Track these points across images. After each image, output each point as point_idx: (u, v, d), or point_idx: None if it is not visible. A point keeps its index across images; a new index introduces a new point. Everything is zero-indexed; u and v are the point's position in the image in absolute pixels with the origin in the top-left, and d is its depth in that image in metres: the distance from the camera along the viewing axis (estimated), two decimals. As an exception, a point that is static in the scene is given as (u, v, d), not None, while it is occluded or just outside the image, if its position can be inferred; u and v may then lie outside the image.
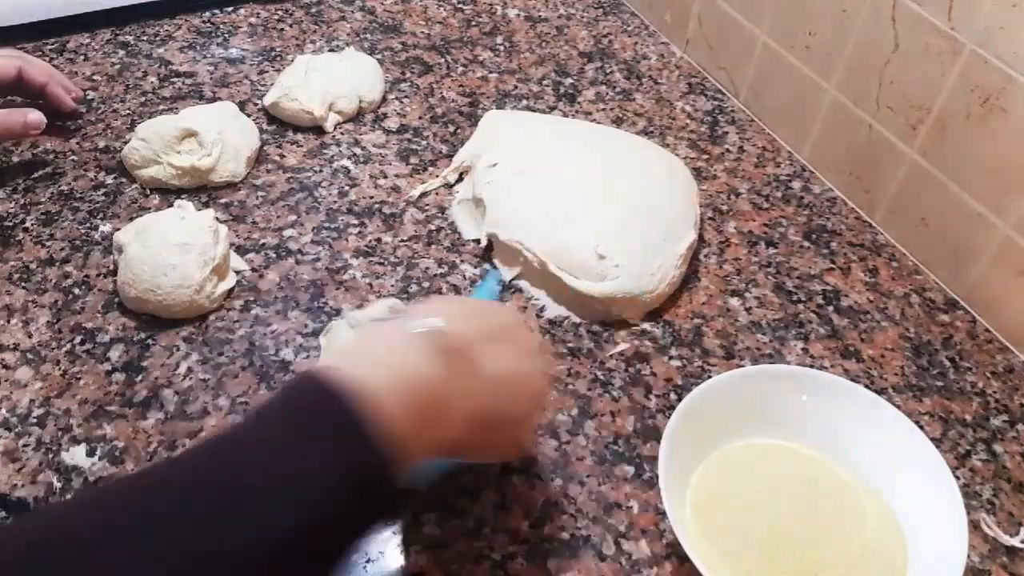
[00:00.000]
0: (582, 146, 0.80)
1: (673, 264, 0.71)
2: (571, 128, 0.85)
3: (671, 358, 0.69)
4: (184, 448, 0.36)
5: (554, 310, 0.71)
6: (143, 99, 0.88)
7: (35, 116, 0.75)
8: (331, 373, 0.40)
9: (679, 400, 0.57)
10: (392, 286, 0.72)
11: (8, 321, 0.67)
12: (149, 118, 0.83)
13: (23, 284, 0.70)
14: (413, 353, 0.43)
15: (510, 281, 0.73)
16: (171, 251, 0.66)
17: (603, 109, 0.93)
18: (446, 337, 0.44)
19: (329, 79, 0.87)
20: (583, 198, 0.74)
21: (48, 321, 0.67)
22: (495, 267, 0.74)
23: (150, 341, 0.67)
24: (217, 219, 0.71)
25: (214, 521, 0.35)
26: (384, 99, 0.91)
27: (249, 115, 0.85)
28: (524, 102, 0.93)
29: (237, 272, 0.72)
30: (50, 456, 0.59)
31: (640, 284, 0.69)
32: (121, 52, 0.94)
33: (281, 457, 0.38)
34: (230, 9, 1.02)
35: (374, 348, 0.45)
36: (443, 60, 0.98)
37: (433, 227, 0.78)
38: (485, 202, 0.75)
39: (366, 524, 0.41)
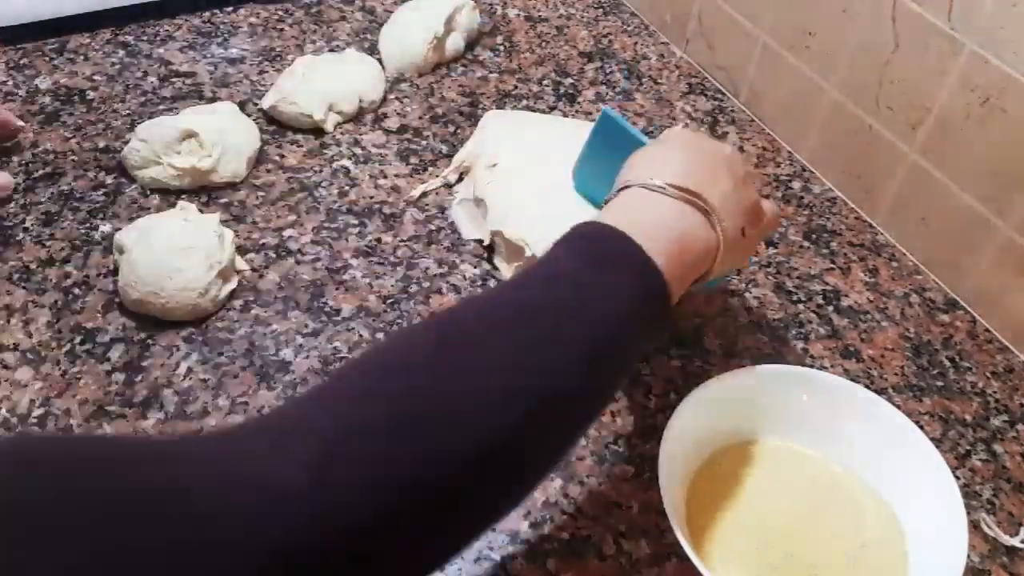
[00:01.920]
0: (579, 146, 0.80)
1: None
2: (570, 128, 0.85)
3: (671, 358, 0.69)
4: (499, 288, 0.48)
5: None
6: (143, 99, 0.88)
7: None
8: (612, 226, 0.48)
9: (679, 400, 0.57)
10: (392, 286, 0.72)
11: (8, 321, 0.67)
12: (149, 118, 0.83)
13: (23, 284, 0.70)
14: (668, 211, 0.50)
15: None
16: (176, 255, 0.66)
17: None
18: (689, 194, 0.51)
19: (329, 79, 0.87)
20: (581, 198, 0.74)
21: (48, 321, 0.67)
22: (495, 266, 0.74)
23: (150, 341, 0.67)
24: (221, 222, 0.71)
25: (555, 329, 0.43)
26: (384, 99, 0.91)
27: (249, 115, 0.85)
28: (524, 102, 0.93)
29: (238, 272, 0.72)
30: (50, 456, 0.59)
31: None
32: (121, 52, 0.94)
33: (589, 285, 0.46)
34: (230, 9, 1.02)
35: (638, 209, 0.51)
36: (443, 60, 0.98)
37: (433, 227, 0.78)
38: (487, 202, 0.75)
39: (648, 338, 0.51)
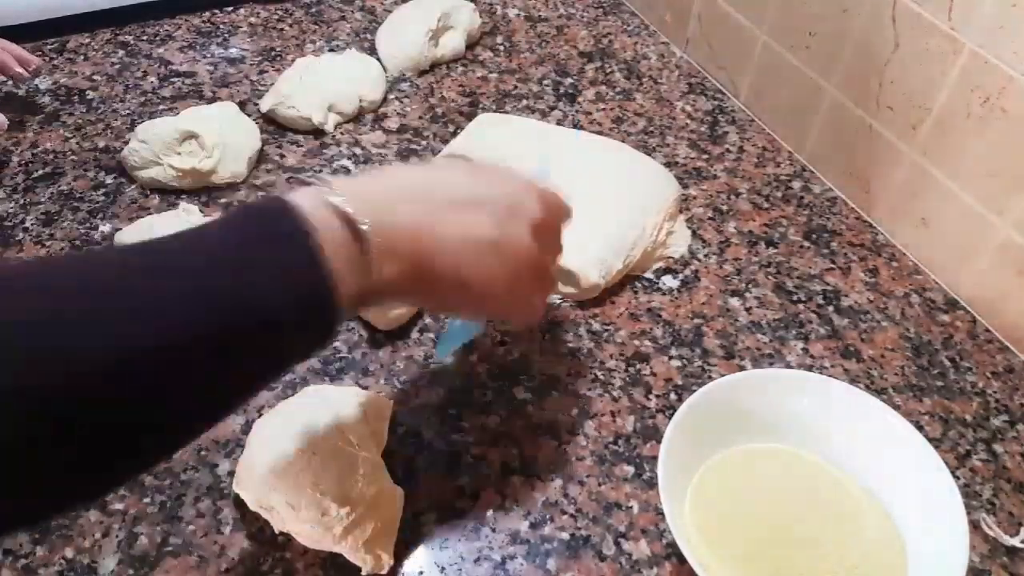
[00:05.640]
0: (554, 152, 0.81)
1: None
2: (555, 134, 0.85)
3: (671, 358, 0.69)
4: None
5: None
6: (143, 99, 0.88)
7: None
8: (292, 202, 0.41)
9: (679, 400, 0.57)
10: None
11: (8, 321, 0.67)
12: (149, 118, 0.83)
13: (23, 284, 0.70)
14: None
15: None
16: None
17: (603, 109, 0.93)
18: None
19: (329, 80, 0.87)
20: None
21: (48, 321, 0.67)
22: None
23: (150, 341, 0.66)
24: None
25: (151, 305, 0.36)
26: (384, 99, 0.91)
27: (249, 115, 0.85)
28: (524, 102, 0.93)
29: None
30: (50, 456, 0.59)
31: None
32: (121, 52, 0.94)
33: (231, 259, 0.39)
34: (230, 9, 1.02)
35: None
36: (443, 60, 0.98)
37: (433, 227, 0.78)
38: None
39: (294, 347, 0.42)
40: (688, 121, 0.92)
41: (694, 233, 0.79)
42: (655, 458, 0.55)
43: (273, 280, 0.39)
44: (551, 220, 0.52)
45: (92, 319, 0.35)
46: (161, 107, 0.87)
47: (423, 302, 0.53)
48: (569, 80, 0.96)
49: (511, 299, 0.51)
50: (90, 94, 0.89)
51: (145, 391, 0.36)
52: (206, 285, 0.37)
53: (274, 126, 0.87)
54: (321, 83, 0.86)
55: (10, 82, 0.89)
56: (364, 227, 0.42)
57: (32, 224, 0.75)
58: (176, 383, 0.37)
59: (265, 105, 0.87)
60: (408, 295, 0.50)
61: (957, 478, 0.61)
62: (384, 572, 0.53)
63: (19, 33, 0.93)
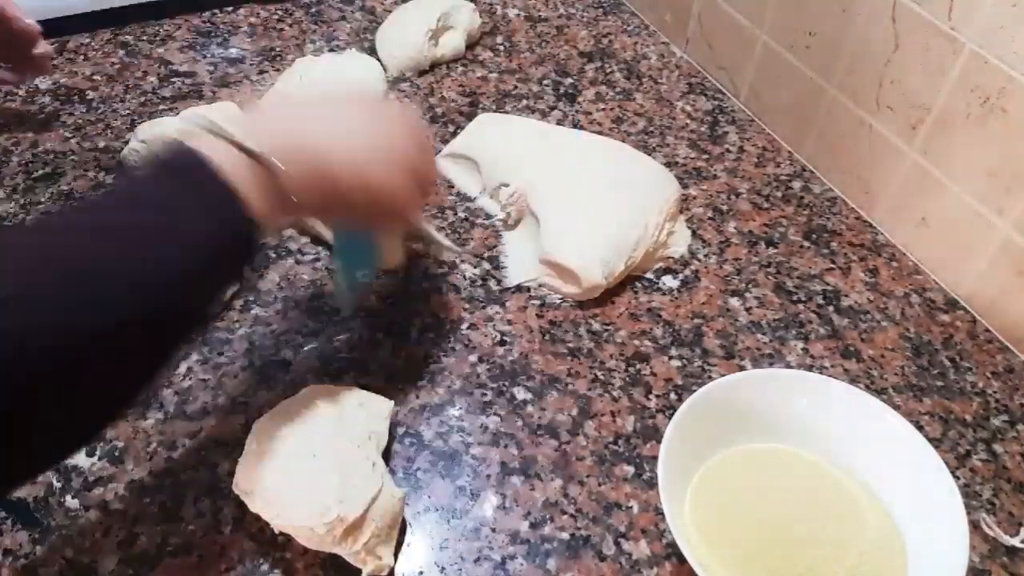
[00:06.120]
0: (551, 155, 0.81)
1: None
2: (555, 134, 0.85)
3: (671, 358, 0.69)
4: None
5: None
6: (143, 99, 0.88)
7: None
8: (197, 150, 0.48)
9: (679, 400, 0.57)
10: (392, 285, 0.72)
11: (8, 321, 0.67)
12: (149, 118, 0.83)
13: (23, 284, 0.70)
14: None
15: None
16: None
17: (603, 109, 0.93)
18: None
19: (329, 80, 0.87)
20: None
21: (48, 321, 0.67)
22: None
23: (150, 341, 0.66)
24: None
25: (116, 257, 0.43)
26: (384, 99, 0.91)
27: (249, 115, 0.85)
28: (524, 102, 0.93)
29: (237, 272, 0.72)
30: (50, 456, 0.59)
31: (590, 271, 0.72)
32: (121, 52, 0.94)
33: (164, 212, 0.46)
34: (230, 9, 1.02)
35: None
36: (443, 60, 0.98)
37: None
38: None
39: (231, 270, 0.55)
40: (688, 121, 0.92)
41: (694, 233, 0.79)
42: (655, 458, 0.55)
43: (207, 223, 0.46)
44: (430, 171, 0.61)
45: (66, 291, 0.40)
46: (161, 107, 0.87)
47: (332, 212, 0.59)
48: (569, 80, 0.96)
49: (401, 193, 0.57)
50: (90, 94, 0.89)
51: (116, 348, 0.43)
52: (148, 242, 0.44)
53: (274, 126, 0.87)
54: (320, 83, 0.86)
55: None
56: (272, 160, 0.49)
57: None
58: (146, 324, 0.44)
59: (265, 105, 0.87)
60: (318, 207, 0.56)
61: (957, 478, 0.61)
62: (384, 573, 0.53)
63: (19, 33, 0.93)
